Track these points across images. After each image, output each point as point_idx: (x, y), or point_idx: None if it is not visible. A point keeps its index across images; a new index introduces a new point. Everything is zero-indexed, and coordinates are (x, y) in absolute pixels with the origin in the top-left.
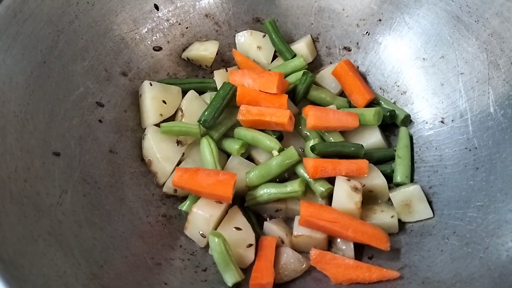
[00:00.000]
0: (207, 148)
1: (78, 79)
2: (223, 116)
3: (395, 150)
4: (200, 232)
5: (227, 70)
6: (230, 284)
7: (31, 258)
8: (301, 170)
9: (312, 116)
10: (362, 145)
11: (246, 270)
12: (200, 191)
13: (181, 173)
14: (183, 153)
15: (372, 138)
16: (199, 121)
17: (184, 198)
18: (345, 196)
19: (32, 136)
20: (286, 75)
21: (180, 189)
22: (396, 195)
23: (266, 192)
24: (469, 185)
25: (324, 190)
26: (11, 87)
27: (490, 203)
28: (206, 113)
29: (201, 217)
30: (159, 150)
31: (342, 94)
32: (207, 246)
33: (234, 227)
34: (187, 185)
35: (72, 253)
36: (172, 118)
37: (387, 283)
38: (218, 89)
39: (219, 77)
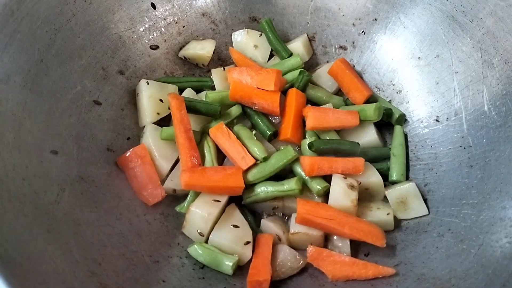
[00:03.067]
0: (205, 147)
1: (75, 77)
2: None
3: (390, 149)
4: (198, 231)
5: (224, 69)
6: (230, 267)
7: (30, 256)
8: (298, 168)
9: (311, 117)
10: (358, 142)
11: (244, 267)
12: (213, 187)
13: (190, 174)
14: None
15: (368, 136)
16: None
17: (183, 197)
18: (341, 193)
19: (30, 134)
20: (283, 74)
21: (192, 189)
22: (392, 193)
23: (264, 190)
24: (464, 183)
25: (320, 188)
26: (8, 86)
27: (484, 200)
28: None
29: (199, 216)
30: (157, 148)
31: (337, 93)
32: None
33: (231, 225)
34: (199, 183)
35: (70, 251)
36: (169, 116)
37: (383, 279)
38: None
39: (217, 75)
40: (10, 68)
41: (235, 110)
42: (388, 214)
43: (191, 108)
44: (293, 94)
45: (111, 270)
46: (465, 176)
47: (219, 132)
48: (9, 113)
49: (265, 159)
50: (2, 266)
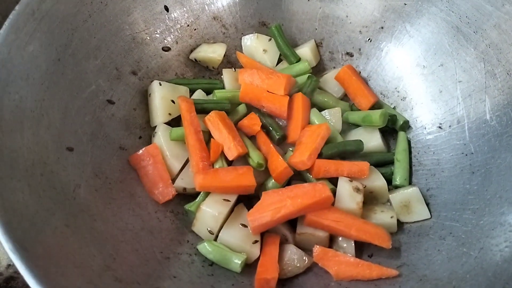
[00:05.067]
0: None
1: (90, 77)
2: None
3: (394, 154)
4: (208, 229)
5: (235, 70)
6: (238, 265)
7: (50, 249)
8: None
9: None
10: (360, 140)
11: (251, 265)
12: (226, 187)
13: (204, 176)
14: None
15: (373, 141)
16: None
17: (191, 196)
18: (347, 196)
19: (48, 131)
20: None
21: (206, 190)
22: (396, 197)
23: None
24: (465, 189)
25: None
26: (28, 83)
27: (485, 206)
28: None
29: (209, 215)
30: (168, 148)
31: (343, 98)
32: None
33: (240, 224)
34: (213, 184)
35: (87, 245)
36: (180, 117)
37: (386, 280)
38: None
39: (228, 75)
40: (30, 66)
41: (242, 109)
42: (391, 217)
43: (202, 109)
44: (300, 99)
45: (126, 265)
46: (467, 182)
47: (210, 122)
48: (28, 110)
49: (260, 165)
50: (26, 258)
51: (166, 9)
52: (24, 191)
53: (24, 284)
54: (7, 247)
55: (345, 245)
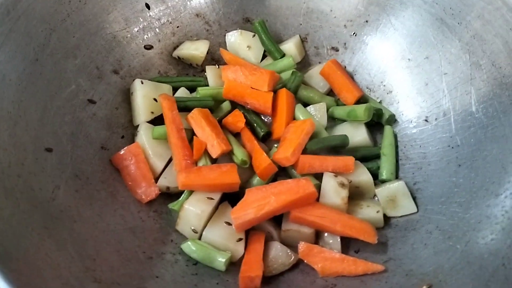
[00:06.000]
0: None
1: (70, 76)
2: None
3: (380, 148)
4: (192, 228)
5: (218, 67)
6: (223, 264)
7: (26, 251)
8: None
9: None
10: (346, 135)
11: (236, 263)
12: (209, 185)
13: (186, 174)
14: None
15: (358, 136)
16: None
17: (175, 195)
18: (332, 191)
19: (25, 132)
20: None
21: (189, 189)
22: (382, 191)
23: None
24: (452, 182)
25: None
26: (4, 84)
27: (471, 198)
28: None
29: (193, 213)
30: (151, 147)
31: (329, 93)
32: None
33: (224, 222)
34: (196, 182)
35: (65, 247)
36: (162, 115)
37: (372, 275)
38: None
39: (211, 73)
40: (6, 67)
41: (226, 106)
42: (378, 211)
43: (184, 107)
44: (284, 95)
45: (106, 265)
46: (453, 175)
47: (192, 119)
48: (5, 111)
49: (244, 162)
50: (1, 261)
51: (147, 6)
52: None
53: None
54: None
55: (331, 241)
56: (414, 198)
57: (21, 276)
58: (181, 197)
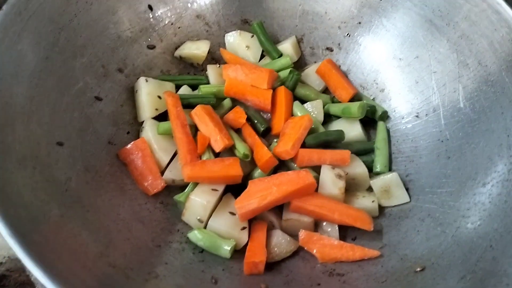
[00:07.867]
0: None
1: (77, 74)
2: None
3: (374, 143)
4: (198, 218)
5: (219, 66)
6: (228, 251)
7: (47, 237)
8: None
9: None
10: (342, 130)
11: (240, 251)
12: (213, 177)
13: (191, 167)
14: None
15: (353, 131)
16: None
17: (180, 188)
18: (330, 182)
19: (38, 127)
20: None
21: (193, 181)
22: (376, 182)
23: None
24: (442, 173)
25: None
26: (18, 81)
27: (460, 188)
28: None
29: (198, 204)
30: (156, 142)
31: (325, 91)
32: None
33: (229, 212)
34: (200, 175)
35: (80, 234)
36: (166, 112)
37: (369, 261)
38: None
39: (212, 71)
40: (19, 65)
41: (227, 103)
42: (373, 201)
43: (187, 103)
44: (282, 92)
45: (119, 252)
46: (443, 166)
47: (196, 115)
48: (19, 106)
49: (246, 156)
50: (25, 245)
51: (150, 8)
52: (18, 182)
53: (17, 282)
54: (6, 233)
55: (329, 229)
56: (406, 189)
57: (44, 258)
58: (187, 189)
